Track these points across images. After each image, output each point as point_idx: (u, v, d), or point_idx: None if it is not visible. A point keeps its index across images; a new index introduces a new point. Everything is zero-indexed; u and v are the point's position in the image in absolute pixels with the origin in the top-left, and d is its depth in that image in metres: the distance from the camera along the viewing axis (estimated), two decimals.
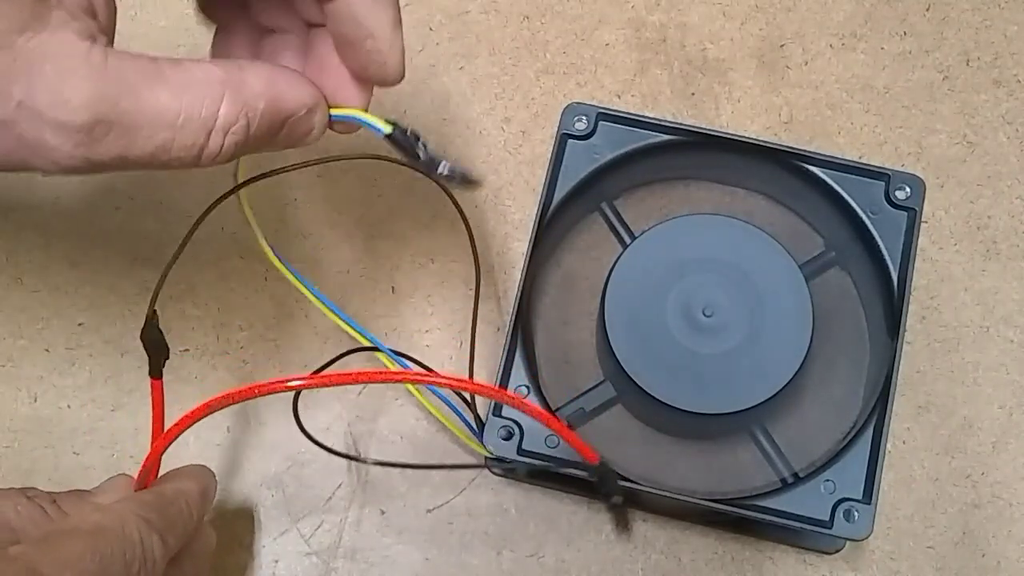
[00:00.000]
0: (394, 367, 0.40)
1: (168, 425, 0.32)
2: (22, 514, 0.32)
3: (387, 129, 0.32)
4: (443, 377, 0.34)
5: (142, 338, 0.36)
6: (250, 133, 0.29)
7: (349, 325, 0.39)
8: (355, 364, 0.40)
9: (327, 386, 0.38)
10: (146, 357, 0.43)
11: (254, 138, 0.29)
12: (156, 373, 0.36)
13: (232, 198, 0.36)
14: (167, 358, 0.37)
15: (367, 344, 0.39)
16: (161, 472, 0.36)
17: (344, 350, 0.43)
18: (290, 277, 0.38)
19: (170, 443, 0.33)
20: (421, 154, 0.32)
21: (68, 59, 0.26)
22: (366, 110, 0.32)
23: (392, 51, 0.31)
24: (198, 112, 0.27)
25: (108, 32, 0.28)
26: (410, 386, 0.41)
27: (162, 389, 0.36)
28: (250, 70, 0.29)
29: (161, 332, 0.36)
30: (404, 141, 0.32)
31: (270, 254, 0.38)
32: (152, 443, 0.36)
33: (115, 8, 0.28)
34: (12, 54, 0.25)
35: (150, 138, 0.27)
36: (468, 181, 0.32)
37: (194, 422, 0.32)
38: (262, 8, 0.33)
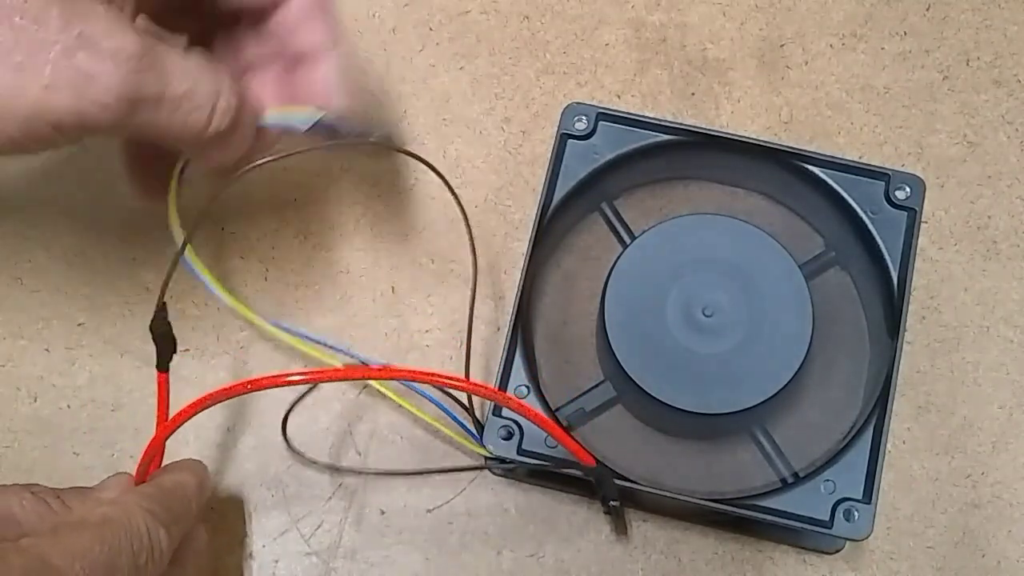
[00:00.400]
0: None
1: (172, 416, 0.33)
2: (27, 508, 0.32)
3: (313, 118, 0.35)
4: (443, 377, 0.34)
5: (151, 330, 0.36)
6: (238, 121, 0.33)
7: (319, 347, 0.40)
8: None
9: (328, 381, 0.39)
10: (146, 357, 0.43)
11: (239, 130, 0.34)
12: (163, 367, 0.37)
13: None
14: (175, 352, 0.37)
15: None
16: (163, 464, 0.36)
17: (343, 349, 0.43)
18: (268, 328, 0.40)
19: (172, 432, 0.34)
20: (349, 130, 0.35)
21: (112, 19, 0.29)
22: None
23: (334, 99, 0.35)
24: (208, 84, 0.32)
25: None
26: (401, 400, 0.41)
27: (167, 383, 0.37)
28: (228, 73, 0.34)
29: (170, 324, 0.36)
30: (331, 125, 0.35)
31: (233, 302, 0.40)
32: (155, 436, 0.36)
33: None
34: (70, 4, 0.28)
35: (181, 83, 0.31)
36: (392, 144, 0.36)
37: (196, 413, 0.33)
38: (229, 50, 0.37)
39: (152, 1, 0.33)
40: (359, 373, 0.38)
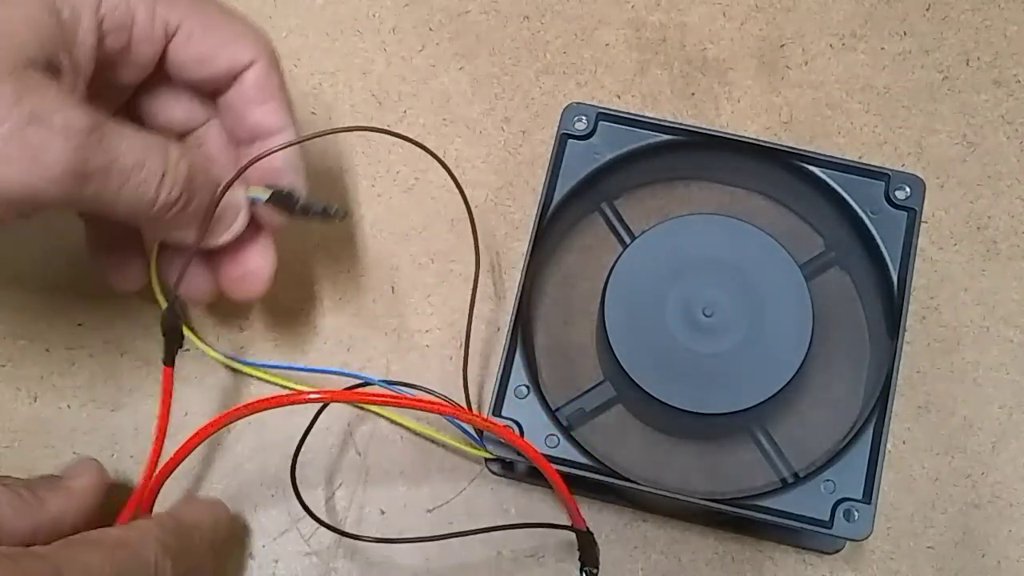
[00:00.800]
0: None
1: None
2: (2, 502, 0.33)
3: (264, 196, 0.36)
4: (433, 403, 0.37)
5: (162, 323, 0.37)
6: (191, 189, 0.34)
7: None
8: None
9: (338, 401, 0.40)
10: (146, 357, 0.43)
11: (193, 200, 0.34)
12: (169, 361, 0.38)
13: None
14: (180, 346, 0.38)
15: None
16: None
17: (345, 350, 0.43)
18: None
19: (181, 460, 0.36)
20: (300, 206, 0.36)
21: (63, 95, 0.30)
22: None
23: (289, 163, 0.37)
24: (156, 155, 0.32)
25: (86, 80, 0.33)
26: (392, 414, 0.42)
27: (172, 377, 0.37)
28: (177, 142, 0.35)
29: (179, 318, 0.37)
30: (282, 200, 0.36)
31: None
32: (156, 435, 0.38)
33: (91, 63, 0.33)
34: (23, 79, 0.29)
35: (130, 153, 0.31)
36: (337, 215, 0.37)
37: (206, 438, 0.35)
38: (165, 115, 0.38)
39: (98, 81, 0.34)
40: (344, 396, 0.39)
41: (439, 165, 0.38)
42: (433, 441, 0.42)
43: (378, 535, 0.40)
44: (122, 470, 0.42)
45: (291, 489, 0.39)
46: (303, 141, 0.37)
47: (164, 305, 0.37)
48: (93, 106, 0.31)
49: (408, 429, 0.42)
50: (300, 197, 0.36)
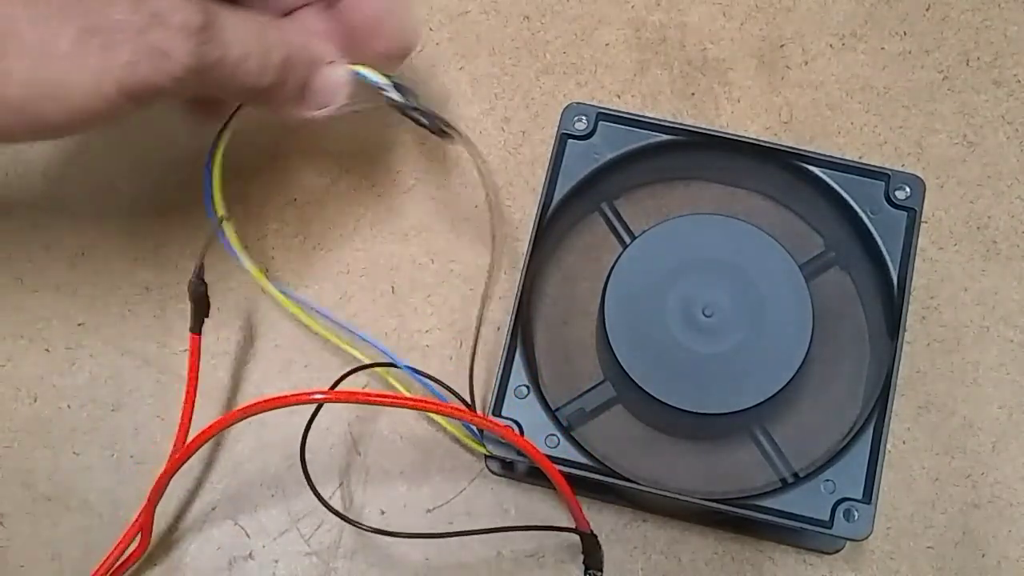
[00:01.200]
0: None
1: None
2: None
3: (385, 81, 0.37)
4: (445, 407, 0.37)
5: (189, 291, 0.39)
6: (286, 71, 0.35)
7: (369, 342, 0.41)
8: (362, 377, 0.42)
9: (350, 402, 0.40)
10: (147, 357, 0.43)
11: (289, 80, 0.35)
12: (196, 328, 0.39)
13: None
14: (207, 315, 0.39)
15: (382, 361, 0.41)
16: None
17: (344, 351, 0.43)
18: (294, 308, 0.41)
19: (186, 459, 0.36)
20: (413, 109, 0.37)
21: None
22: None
23: (402, 35, 0.37)
24: (258, 40, 0.34)
25: None
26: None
27: (199, 344, 0.39)
28: (276, 22, 0.36)
29: (206, 285, 0.39)
30: (401, 96, 0.37)
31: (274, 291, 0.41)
32: (185, 400, 0.39)
33: None
34: None
35: (238, 45, 0.33)
36: (444, 131, 0.38)
37: (211, 437, 0.35)
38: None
39: None
40: (346, 397, 0.39)
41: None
42: (443, 428, 0.42)
43: (378, 535, 0.40)
44: (122, 470, 0.42)
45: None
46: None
47: (221, 214, 0.38)
48: None
49: (411, 412, 0.41)
50: (417, 100, 0.37)
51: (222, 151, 0.38)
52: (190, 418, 0.39)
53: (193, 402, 0.39)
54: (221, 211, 0.38)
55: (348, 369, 0.40)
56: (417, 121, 0.38)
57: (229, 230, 0.39)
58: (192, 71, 0.32)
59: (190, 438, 0.37)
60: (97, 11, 0.31)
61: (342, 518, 0.39)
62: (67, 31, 0.30)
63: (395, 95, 0.37)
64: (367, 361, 0.40)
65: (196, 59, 0.32)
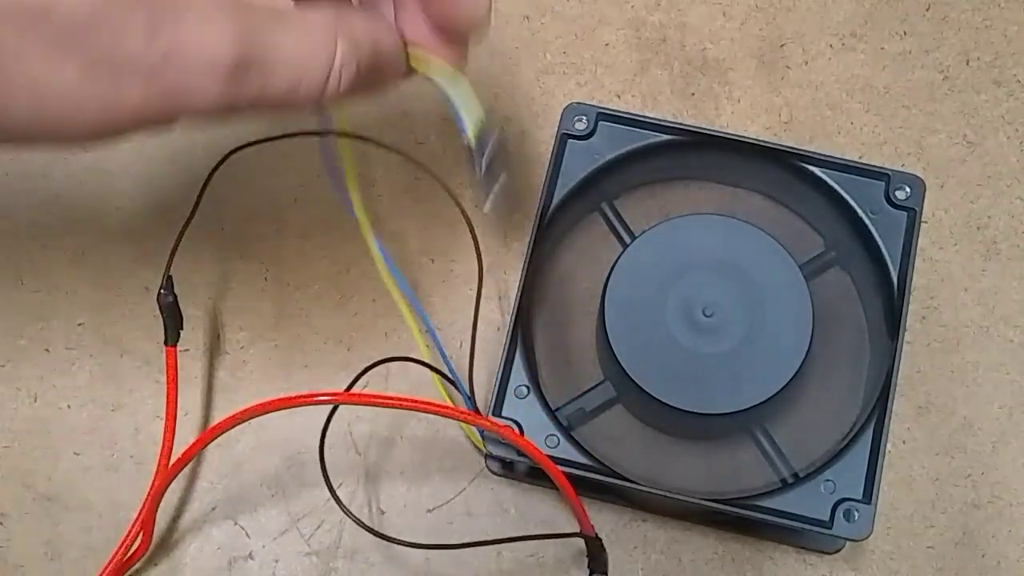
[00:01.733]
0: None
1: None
2: None
3: (471, 136, 0.33)
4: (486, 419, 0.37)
5: (158, 302, 0.39)
6: (360, 73, 0.30)
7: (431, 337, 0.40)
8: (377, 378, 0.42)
9: (345, 403, 0.40)
10: (146, 357, 0.43)
11: (361, 79, 0.30)
12: (172, 340, 0.39)
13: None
14: (181, 327, 0.39)
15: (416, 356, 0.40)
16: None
17: (345, 350, 0.43)
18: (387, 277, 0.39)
19: (190, 460, 0.36)
20: (479, 167, 0.33)
21: (205, 5, 0.26)
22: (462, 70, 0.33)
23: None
24: (320, 52, 0.29)
25: None
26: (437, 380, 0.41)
27: (176, 358, 0.39)
28: (355, 14, 0.31)
29: (175, 296, 0.39)
30: (477, 149, 0.33)
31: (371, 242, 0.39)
32: (167, 416, 0.39)
33: None
34: (153, 4, 0.26)
35: (283, 77, 0.28)
36: (507, 210, 0.35)
37: (215, 437, 0.35)
38: None
39: None
40: (349, 398, 0.39)
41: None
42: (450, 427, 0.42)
43: (385, 535, 0.40)
44: (122, 470, 0.42)
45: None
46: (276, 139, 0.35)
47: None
48: None
49: (411, 412, 0.41)
50: (493, 174, 0.34)
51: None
52: (173, 433, 0.40)
53: (175, 417, 0.40)
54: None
55: (357, 370, 0.40)
56: (482, 182, 0.34)
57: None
58: (220, 105, 0.27)
59: (185, 437, 0.37)
60: (106, 40, 0.26)
61: (361, 525, 0.39)
62: (71, 63, 0.26)
63: (478, 159, 0.34)
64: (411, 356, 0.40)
65: (225, 100, 0.27)
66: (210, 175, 0.39)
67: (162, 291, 0.39)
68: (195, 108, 0.27)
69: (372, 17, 0.31)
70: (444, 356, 0.40)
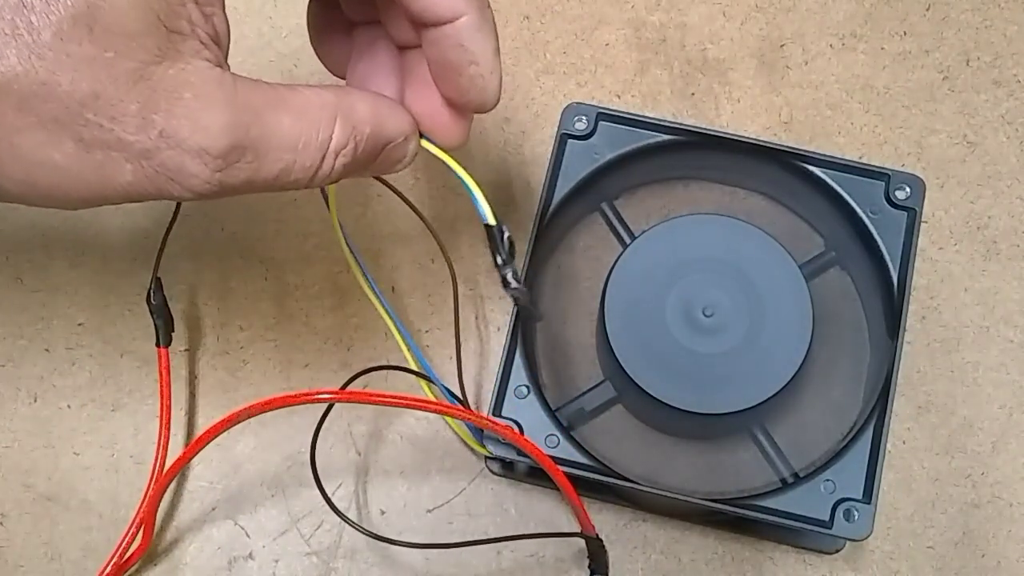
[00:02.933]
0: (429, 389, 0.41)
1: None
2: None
3: (491, 220, 0.33)
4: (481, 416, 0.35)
5: (147, 303, 0.39)
6: (356, 156, 0.30)
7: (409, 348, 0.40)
8: (377, 378, 0.42)
9: (345, 401, 0.39)
10: (146, 357, 0.43)
11: (358, 161, 0.30)
12: (164, 342, 0.40)
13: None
14: (173, 328, 0.40)
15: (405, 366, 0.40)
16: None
17: (345, 350, 0.43)
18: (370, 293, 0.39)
19: (190, 459, 0.37)
20: (500, 258, 0.33)
21: (204, 87, 0.26)
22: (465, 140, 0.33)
23: (493, 76, 0.31)
24: (315, 136, 0.28)
25: (226, 57, 0.29)
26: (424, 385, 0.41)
27: (168, 359, 0.40)
28: (357, 96, 0.30)
29: (164, 296, 0.39)
30: (495, 238, 0.33)
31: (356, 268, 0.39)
32: (160, 416, 0.40)
33: (229, 34, 0.29)
34: (152, 85, 0.26)
35: (276, 161, 0.28)
36: (528, 309, 0.35)
37: (215, 436, 0.35)
38: (358, 31, 0.34)
39: None
40: (350, 397, 0.39)
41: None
42: (447, 429, 0.42)
43: (378, 535, 0.40)
44: (122, 470, 0.42)
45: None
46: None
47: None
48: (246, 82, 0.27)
49: (411, 412, 0.41)
50: (508, 238, 0.33)
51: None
52: (168, 432, 0.40)
53: (169, 417, 0.40)
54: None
55: (357, 370, 0.40)
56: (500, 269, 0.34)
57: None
58: (211, 188, 0.27)
59: (185, 437, 0.37)
60: (98, 123, 0.25)
61: (356, 527, 0.39)
62: (66, 141, 0.26)
63: (499, 239, 0.33)
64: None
65: (215, 183, 0.27)
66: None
67: (151, 293, 0.40)
68: (185, 190, 0.27)
69: (376, 98, 0.31)
70: (423, 362, 0.40)
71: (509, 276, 0.33)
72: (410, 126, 0.32)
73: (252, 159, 0.27)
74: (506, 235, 0.33)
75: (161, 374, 0.40)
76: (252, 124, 0.27)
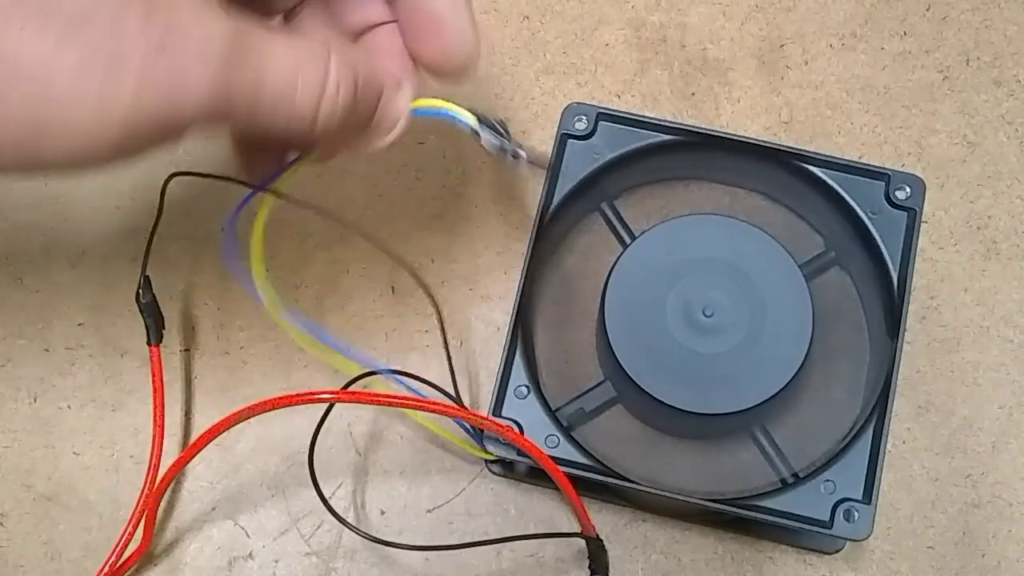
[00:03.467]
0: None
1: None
2: None
3: (472, 121, 0.33)
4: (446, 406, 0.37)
5: (137, 301, 0.39)
6: (355, 101, 0.30)
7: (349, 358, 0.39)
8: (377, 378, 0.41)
9: (346, 401, 0.39)
10: (146, 357, 0.43)
11: (359, 112, 0.30)
12: (154, 340, 0.40)
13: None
14: (163, 327, 0.40)
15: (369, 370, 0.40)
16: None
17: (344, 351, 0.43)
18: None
19: (190, 459, 0.36)
20: (504, 144, 0.33)
21: (197, 4, 0.27)
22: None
23: (463, 35, 0.31)
24: (313, 62, 0.28)
25: None
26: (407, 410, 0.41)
27: (160, 357, 0.40)
28: (346, 44, 0.31)
29: (153, 295, 0.39)
30: (490, 130, 0.33)
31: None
32: (154, 414, 0.39)
33: None
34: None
35: (278, 78, 0.28)
36: (541, 162, 0.35)
37: (215, 436, 0.35)
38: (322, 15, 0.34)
39: None
40: (350, 397, 0.39)
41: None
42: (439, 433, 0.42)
43: (378, 535, 0.40)
44: (122, 470, 0.42)
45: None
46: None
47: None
48: (237, 8, 0.27)
49: (411, 412, 0.41)
50: (506, 136, 0.33)
51: (264, 214, 0.34)
52: (162, 431, 0.40)
53: (163, 415, 0.40)
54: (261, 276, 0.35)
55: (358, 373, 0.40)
56: (508, 156, 0.34)
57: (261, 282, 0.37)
58: (219, 98, 0.27)
59: (184, 437, 0.37)
60: (105, 21, 0.25)
61: (355, 530, 0.39)
62: (70, 49, 0.25)
63: (487, 135, 0.33)
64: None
65: (219, 89, 0.26)
66: (166, 183, 0.38)
67: (140, 291, 0.39)
68: (188, 104, 0.26)
69: (364, 50, 0.31)
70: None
71: (518, 151, 0.34)
72: (400, 71, 0.32)
73: (253, 71, 0.27)
74: (494, 120, 0.33)
75: (153, 372, 0.40)
76: (249, 39, 0.27)
